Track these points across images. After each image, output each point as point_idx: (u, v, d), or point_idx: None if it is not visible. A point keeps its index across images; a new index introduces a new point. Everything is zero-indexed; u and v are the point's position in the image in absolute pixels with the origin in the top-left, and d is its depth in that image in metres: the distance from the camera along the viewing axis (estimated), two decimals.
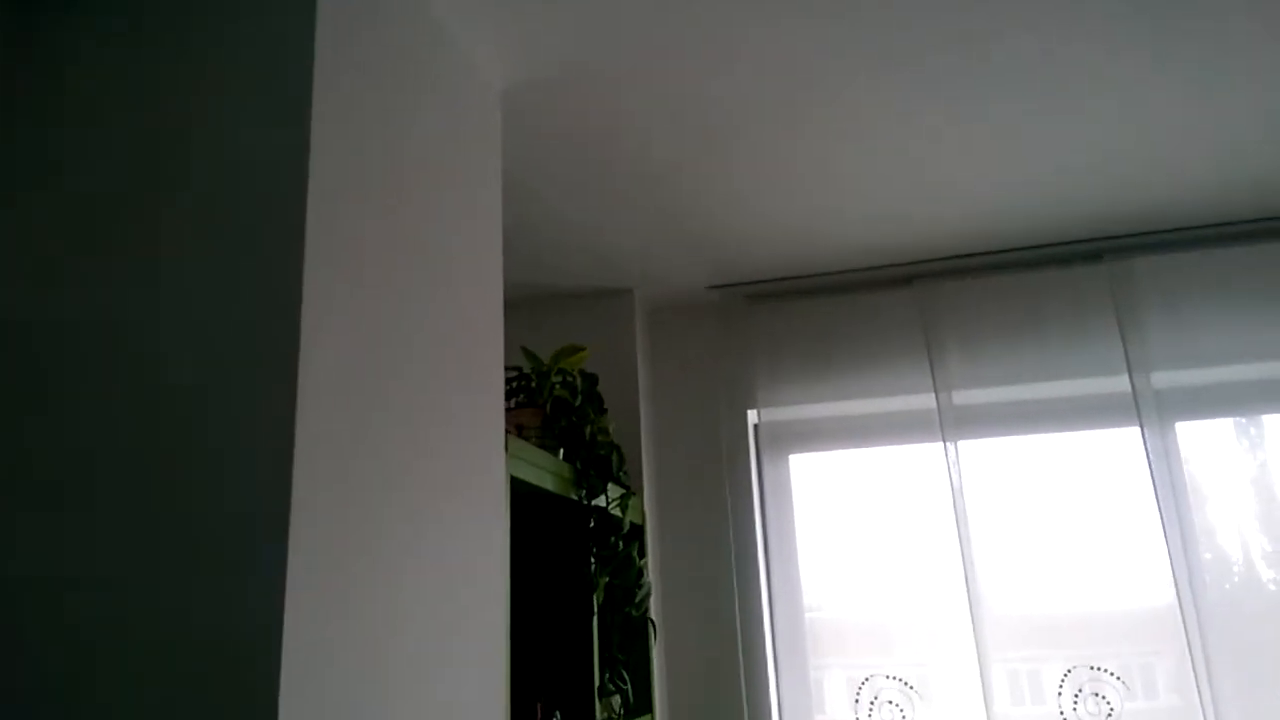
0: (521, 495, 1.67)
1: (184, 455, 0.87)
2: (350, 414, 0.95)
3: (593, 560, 1.80)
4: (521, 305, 2.47)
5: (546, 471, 1.60)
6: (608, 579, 1.83)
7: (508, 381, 1.89)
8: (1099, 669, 2.18)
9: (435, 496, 1.10)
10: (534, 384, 1.81)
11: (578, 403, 1.82)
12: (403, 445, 1.04)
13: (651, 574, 2.26)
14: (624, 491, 1.91)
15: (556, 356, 1.76)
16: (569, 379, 1.83)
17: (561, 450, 1.82)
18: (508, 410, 1.84)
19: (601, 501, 1.84)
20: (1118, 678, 2.16)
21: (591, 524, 1.81)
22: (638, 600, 1.86)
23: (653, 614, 2.18)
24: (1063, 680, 2.18)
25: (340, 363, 0.94)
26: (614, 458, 1.86)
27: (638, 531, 2.17)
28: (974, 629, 2.14)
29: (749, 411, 2.44)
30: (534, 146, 1.69)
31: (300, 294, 0.89)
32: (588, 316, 2.40)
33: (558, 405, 1.77)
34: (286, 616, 0.81)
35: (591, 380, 1.84)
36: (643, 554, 2.17)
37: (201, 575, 0.84)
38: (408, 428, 1.06)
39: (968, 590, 2.16)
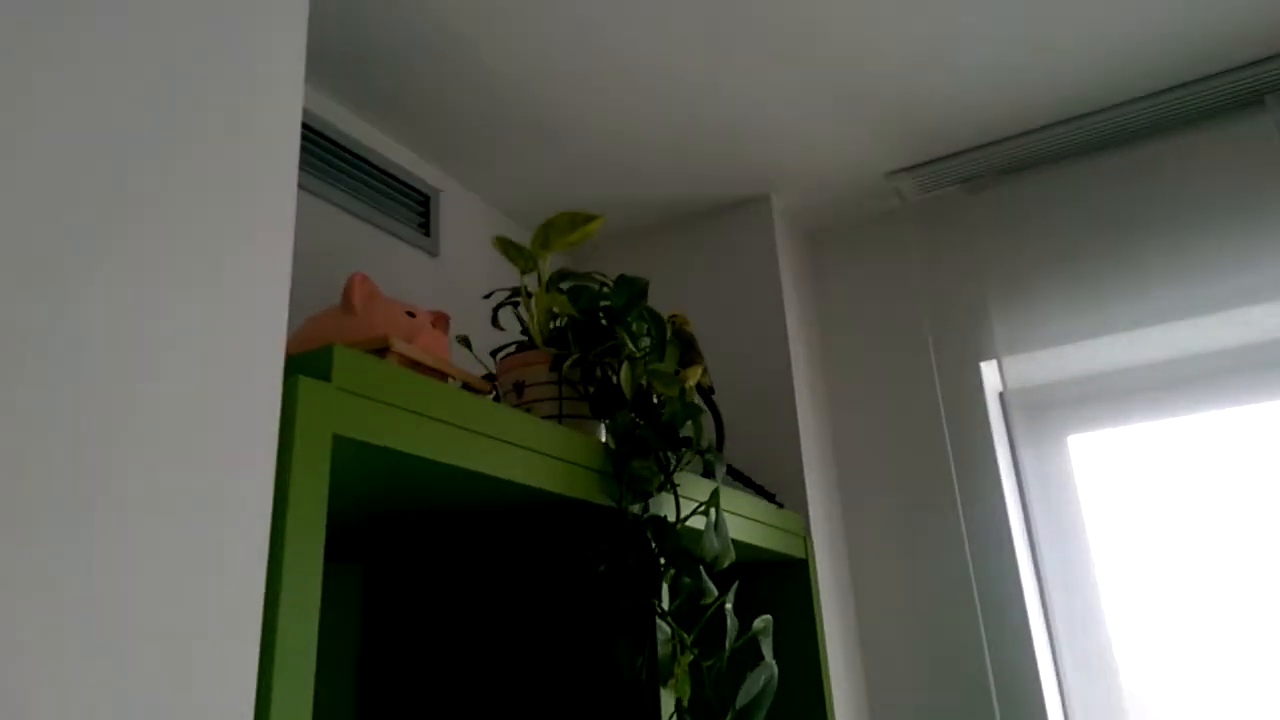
0: (520, 505, 0.86)
1: None
2: None
3: (666, 625, 0.94)
4: (588, 246, 1.68)
5: (506, 444, 0.77)
6: (693, 655, 0.95)
7: (497, 310, 1.11)
8: None
9: None
10: (531, 308, 1.01)
11: (607, 329, 1.00)
12: None
13: (830, 646, 1.32)
14: (716, 487, 1.03)
15: (543, 235, 0.94)
16: (600, 283, 1.02)
17: (604, 427, 1.01)
18: (500, 361, 1.05)
19: (669, 510, 0.99)
20: None
21: (651, 549, 0.95)
22: (755, 695, 0.95)
23: None
24: None
25: None
26: (689, 424, 0.99)
27: (777, 569, 1.27)
28: None
29: (982, 366, 1.46)
30: None
31: None
32: (700, 244, 1.56)
33: (557, 332, 0.95)
34: None
35: (632, 287, 1.00)
36: (806, 607, 1.25)
37: None
38: None
39: None
